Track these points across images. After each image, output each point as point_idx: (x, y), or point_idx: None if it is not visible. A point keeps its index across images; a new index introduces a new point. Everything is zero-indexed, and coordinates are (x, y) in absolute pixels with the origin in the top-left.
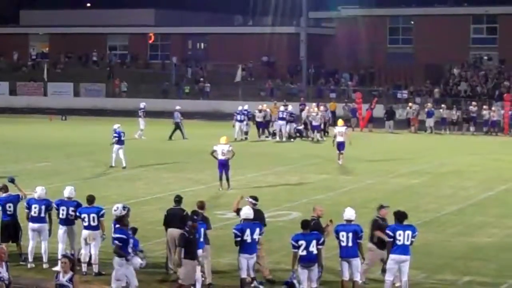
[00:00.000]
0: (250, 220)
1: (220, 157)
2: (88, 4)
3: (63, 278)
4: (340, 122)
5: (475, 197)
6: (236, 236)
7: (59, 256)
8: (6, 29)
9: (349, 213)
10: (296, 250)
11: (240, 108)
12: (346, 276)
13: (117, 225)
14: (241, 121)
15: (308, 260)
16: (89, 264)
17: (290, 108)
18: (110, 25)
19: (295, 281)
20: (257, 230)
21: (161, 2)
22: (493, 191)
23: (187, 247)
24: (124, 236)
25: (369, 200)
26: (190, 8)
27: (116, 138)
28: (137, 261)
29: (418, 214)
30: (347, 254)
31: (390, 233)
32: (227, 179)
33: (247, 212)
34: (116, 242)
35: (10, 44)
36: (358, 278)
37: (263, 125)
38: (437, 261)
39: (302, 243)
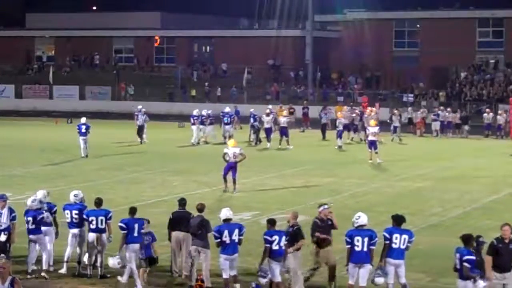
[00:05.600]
0: (229, 221)
1: (231, 159)
2: (94, 7)
3: (3, 286)
4: (372, 122)
5: (481, 200)
6: (215, 237)
7: (65, 259)
8: (12, 32)
9: (363, 218)
10: (269, 245)
11: (227, 109)
12: (353, 281)
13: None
14: (228, 123)
15: (280, 255)
16: (94, 267)
17: (228, 109)
18: (115, 28)
19: (262, 278)
20: (236, 230)
21: (167, 5)
22: (498, 194)
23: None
24: (473, 257)
25: (374, 204)
26: (196, 11)
27: (78, 131)
28: (481, 285)
29: (423, 218)
30: (360, 259)
31: (387, 236)
32: (234, 182)
33: (226, 213)
34: (466, 264)
35: (15, 47)
36: (364, 284)
37: (271, 131)
38: (442, 264)
39: (276, 238)
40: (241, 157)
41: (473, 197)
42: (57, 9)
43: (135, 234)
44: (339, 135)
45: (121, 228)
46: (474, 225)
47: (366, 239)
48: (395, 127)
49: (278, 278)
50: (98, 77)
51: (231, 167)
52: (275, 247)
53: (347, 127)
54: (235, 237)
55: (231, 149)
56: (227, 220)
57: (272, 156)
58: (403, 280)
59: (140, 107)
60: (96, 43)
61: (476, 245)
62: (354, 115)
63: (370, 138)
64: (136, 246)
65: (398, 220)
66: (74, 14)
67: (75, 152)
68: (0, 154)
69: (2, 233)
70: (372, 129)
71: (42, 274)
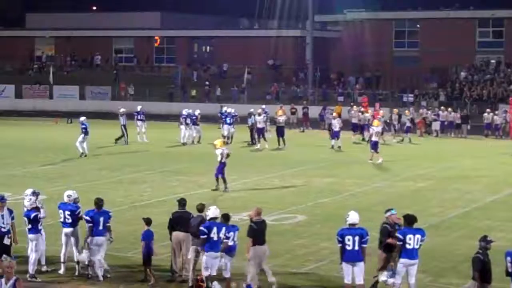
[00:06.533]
0: (215, 220)
1: (224, 159)
2: (94, 7)
3: (7, 285)
4: (376, 122)
5: (481, 200)
6: (203, 233)
7: (61, 259)
8: (12, 32)
9: (354, 217)
10: (227, 241)
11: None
12: (349, 280)
13: None
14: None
15: (234, 249)
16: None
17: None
18: (116, 28)
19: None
20: (223, 229)
21: (167, 5)
22: (499, 194)
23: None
24: None
25: (375, 204)
26: (196, 11)
27: (84, 128)
28: None
29: (424, 218)
30: (352, 258)
31: (400, 237)
32: (224, 180)
33: (215, 212)
34: None
35: (16, 47)
36: (361, 281)
37: (261, 131)
38: (442, 264)
39: (232, 234)
40: (227, 156)
41: (473, 197)
42: (57, 9)
43: (100, 227)
44: (336, 136)
45: (86, 221)
46: (474, 225)
47: (357, 238)
48: (408, 127)
49: (227, 274)
50: (98, 77)
51: (223, 167)
52: (230, 242)
53: (356, 127)
54: (222, 235)
55: (225, 150)
56: (214, 219)
57: (272, 156)
58: (412, 280)
59: (123, 110)
60: (96, 43)
61: (485, 244)
62: (367, 115)
63: (374, 138)
64: (101, 239)
65: (409, 220)
66: (74, 14)
67: (75, 152)
68: (0, 154)
69: (6, 236)
70: (376, 128)
71: (28, 277)
